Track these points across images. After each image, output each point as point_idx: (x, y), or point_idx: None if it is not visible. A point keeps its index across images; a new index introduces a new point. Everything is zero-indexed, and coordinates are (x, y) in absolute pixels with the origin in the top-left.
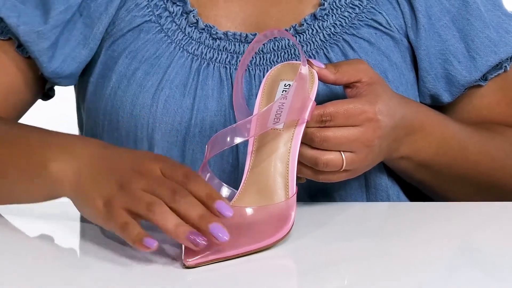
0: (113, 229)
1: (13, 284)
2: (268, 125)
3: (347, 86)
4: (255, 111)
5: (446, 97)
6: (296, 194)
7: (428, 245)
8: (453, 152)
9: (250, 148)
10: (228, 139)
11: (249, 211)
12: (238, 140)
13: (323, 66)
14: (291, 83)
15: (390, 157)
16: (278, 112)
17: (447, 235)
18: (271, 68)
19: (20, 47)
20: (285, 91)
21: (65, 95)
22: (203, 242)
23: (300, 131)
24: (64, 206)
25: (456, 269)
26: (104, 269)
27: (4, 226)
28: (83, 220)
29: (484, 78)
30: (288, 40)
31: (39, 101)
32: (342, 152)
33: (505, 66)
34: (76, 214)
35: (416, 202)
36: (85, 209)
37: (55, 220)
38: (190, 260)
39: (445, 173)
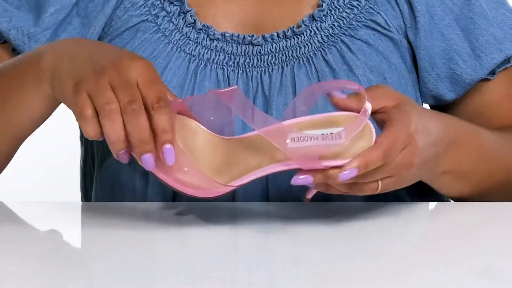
0: (73, 111)
1: (13, 284)
2: (286, 139)
3: (372, 112)
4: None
5: (449, 96)
6: (230, 192)
7: (428, 245)
8: (489, 160)
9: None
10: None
11: (188, 162)
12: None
13: (344, 96)
14: (337, 131)
15: (432, 174)
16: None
17: (447, 235)
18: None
19: (15, 50)
20: (330, 133)
21: None
22: (125, 162)
23: (277, 166)
24: (65, 205)
25: (456, 269)
26: (105, 270)
27: (5, 226)
28: (83, 220)
29: (492, 72)
30: (286, 41)
31: None
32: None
33: None
34: (77, 214)
35: (416, 202)
36: (57, 87)
37: (55, 220)
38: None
39: (483, 182)
